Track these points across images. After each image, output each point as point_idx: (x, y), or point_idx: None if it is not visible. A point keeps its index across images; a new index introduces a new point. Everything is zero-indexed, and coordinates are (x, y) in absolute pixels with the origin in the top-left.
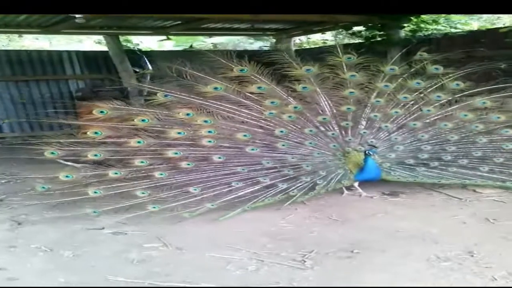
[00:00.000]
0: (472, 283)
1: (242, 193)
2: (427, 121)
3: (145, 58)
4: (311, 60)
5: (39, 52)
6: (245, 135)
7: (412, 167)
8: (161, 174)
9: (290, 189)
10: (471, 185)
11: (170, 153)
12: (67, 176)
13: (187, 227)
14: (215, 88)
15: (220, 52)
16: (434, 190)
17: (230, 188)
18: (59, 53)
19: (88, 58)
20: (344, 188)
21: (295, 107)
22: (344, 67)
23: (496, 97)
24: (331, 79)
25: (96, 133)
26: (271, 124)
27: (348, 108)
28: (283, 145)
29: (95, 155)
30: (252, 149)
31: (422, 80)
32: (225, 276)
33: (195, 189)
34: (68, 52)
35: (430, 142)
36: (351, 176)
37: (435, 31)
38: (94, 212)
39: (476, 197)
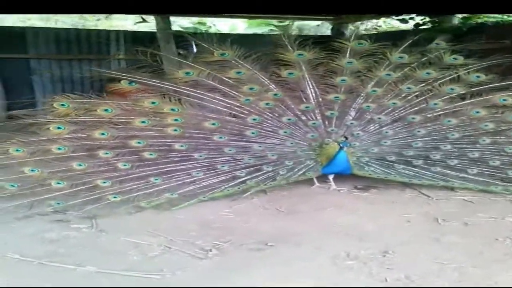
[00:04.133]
0: (359, 284)
1: (205, 183)
2: (429, 115)
3: (193, 42)
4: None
5: (88, 31)
6: (213, 124)
7: (390, 163)
8: (125, 165)
9: (250, 179)
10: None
11: (133, 142)
12: (32, 170)
13: (132, 213)
14: (187, 74)
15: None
16: (408, 187)
17: (193, 179)
18: (107, 32)
19: (135, 39)
20: (315, 179)
21: (275, 94)
22: (348, 53)
23: None
24: (324, 65)
25: (58, 127)
26: (245, 112)
27: (336, 97)
28: (253, 133)
29: (59, 149)
30: (220, 137)
31: (434, 71)
32: (119, 261)
33: (156, 179)
34: (116, 32)
35: (425, 138)
36: (319, 168)
37: (487, 19)
38: (58, 203)
39: (447, 196)
